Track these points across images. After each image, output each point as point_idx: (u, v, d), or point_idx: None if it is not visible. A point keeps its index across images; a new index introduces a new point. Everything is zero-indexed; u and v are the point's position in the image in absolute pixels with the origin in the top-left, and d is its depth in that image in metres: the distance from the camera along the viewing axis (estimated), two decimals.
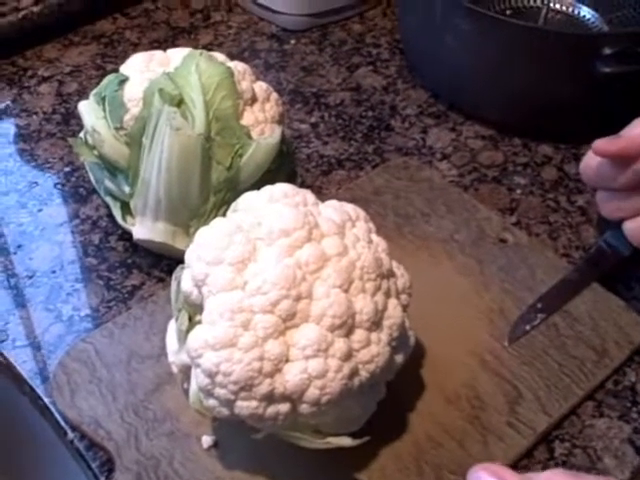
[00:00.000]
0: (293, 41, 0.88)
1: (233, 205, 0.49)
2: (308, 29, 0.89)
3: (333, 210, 0.48)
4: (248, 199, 0.48)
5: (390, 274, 0.48)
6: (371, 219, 0.51)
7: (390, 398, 0.50)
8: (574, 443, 0.52)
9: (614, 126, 0.74)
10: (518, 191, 0.70)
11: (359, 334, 0.44)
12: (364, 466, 0.49)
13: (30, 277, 0.62)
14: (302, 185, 0.62)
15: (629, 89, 0.68)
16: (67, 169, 0.72)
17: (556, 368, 0.55)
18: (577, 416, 0.53)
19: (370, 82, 0.82)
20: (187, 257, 0.46)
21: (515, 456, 0.50)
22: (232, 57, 0.64)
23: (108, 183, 0.61)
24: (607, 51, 0.64)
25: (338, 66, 0.84)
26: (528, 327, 0.57)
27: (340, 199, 0.51)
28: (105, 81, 0.61)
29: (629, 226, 0.58)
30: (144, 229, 0.59)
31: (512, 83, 0.72)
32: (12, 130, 0.76)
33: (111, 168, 0.60)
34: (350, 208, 0.50)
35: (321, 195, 0.56)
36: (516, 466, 0.50)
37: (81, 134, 0.64)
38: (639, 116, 0.60)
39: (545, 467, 0.51)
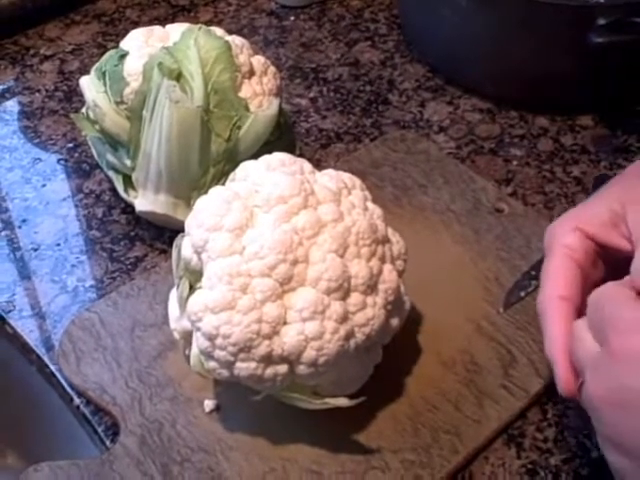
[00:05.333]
0: (292, 17, 0.89)
1: (231, 175, 0.51)
2: (307, 5, 0.90)
3: (329, 178, 0.49)
4: (246, 168, 0.49)
5: (385, 240, 0.49)
6: (369, 190, 0.52)
7: (387, 362, 0.51)
8: (567, 405, 0.53)
9: (609, 97, 0.75)
10: (514, 162, 0.71)
11: (355, 297, 0.45)
12: (362, 428, 0.51)
13: (35, 250, 0.63)
14: (301, 158, 0.63)
15: (623, 59, 0.69)
16: (70, 145, 0.73)
17: None
18: None
19: (368, 57, 0.83)
20: (187, 224, 0.47)
21: (509, 417, 0.52)
22: (232, 34, 0.65)
23: (110, 157, 0.62)
24: (601, 22, 0.65)
25: (337, 41, 0.85)
26: (522, 294, 0.58)
27: (338, 171, 0.52)
28: (106, 56, 0.62)
29: None
30: (146, 201, 0.60)
31: (509, 56, 0.73)
32: (16, 108, 0.78)
33: (112, 142, 0.61)
34: (346, 177, 0.51)
35: (320, 168, 0.57)
36: (510, 427, 0.52)
37: (83, 109, 0.65)
38: (633, 86, 0.60)
39: (539, 428, 0.52)
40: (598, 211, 0.48)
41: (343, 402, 0.47)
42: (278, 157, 0.49)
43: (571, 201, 0.67)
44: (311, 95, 0.78)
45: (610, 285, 0.42)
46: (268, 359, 0.44)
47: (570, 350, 0.43)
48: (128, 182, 0.62)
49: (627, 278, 0.42)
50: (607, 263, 0.49)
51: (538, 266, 0.59)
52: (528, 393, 0.53)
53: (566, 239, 0.47)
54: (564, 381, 0.44)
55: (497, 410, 0.52)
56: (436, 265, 0.60)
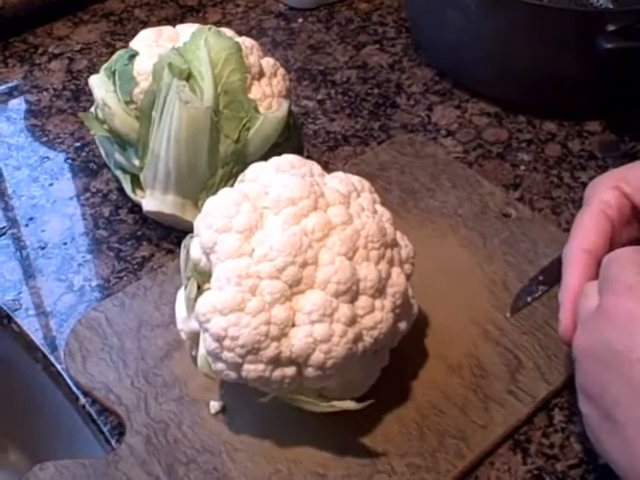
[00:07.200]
0: (300, 19, 0.89)
1: (240, 176, 0.51)
2: (315, 8, 0.90)
3: (339, 181, 0.49)
4: (255, 169, 0.49)
5: (394, 244, 0.49)
6: (377, 193, 0.52)
7: (394, 366, 0.51)
8: (574, 411, 0.53)
9: (617, 103, 0.75)
10: (522, 167, 0.71)
11: (363, 300, 0.45)
12: (368, 431, 0.51)
13: (42, 248, 0.63)
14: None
15: (632, 65, 0.69)
16: (77, 144, 0.73)
17: (556, 338, 0.55)
18: None
19: (376, 60, 0.83)
20: (196, 225, 0.47)
21: (515, 422, 0.51)
22: (240, 35, 0.65)
23: (118, 156, 0.62)
24: (610, 27, 0.65)
25: (345, 44, 0.85)
26: (529, 299, 0.58)
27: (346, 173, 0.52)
28: (115, 56, 0.62)
29: None
30: (154, 201, 0.60)
31: (517, 60, 0.73)
32: (23, 106, 0.78)
33: (121, 141, 0.61)
34: (355, 179, 0.51)
35: (327, 170, 0.57)
36: (516, 432, 0.52)
37: (92, 109, 0.65)
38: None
39: (545, 434, 0.52)
40: None
41: (350, 405, 0.47)
42: (288, 159, 0.49)
43: (578, 206, 0.66)
44: (319, 97, 0.78)
45: (625, 249, 0.45)
46: (276, 361, 0.44)
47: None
48: (136, 182, 0.62)
49: None
50: None
51: (545, 271, 0.60)
52: (534, 398, 0.52)
53: (604, 195, 0.49)
54: (564, 326, 0.47)
55: (503, 415, 0.52)
56: (443, 269, 0.60)
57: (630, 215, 0.50)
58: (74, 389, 0.54)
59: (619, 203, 0.49)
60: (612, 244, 0.49)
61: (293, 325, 0.44)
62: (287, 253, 0.44)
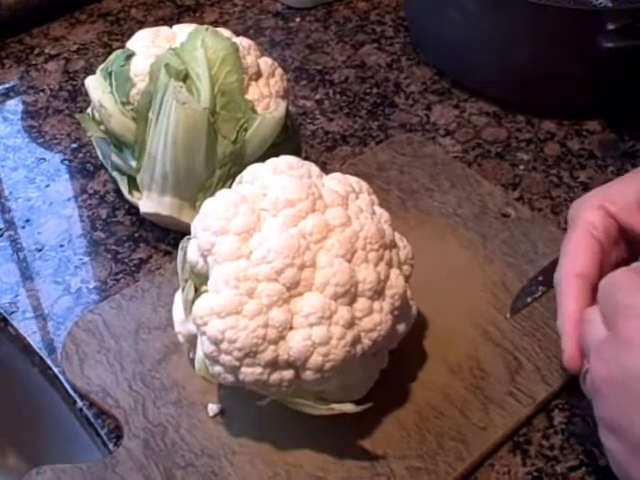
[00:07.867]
0: (298, 19, 0.88)
1: (238, 177, 0.50)
2: (313, 7, 0.90)
3: (337, 182, 0.49)
4: (253, 171, 0.49)
5: (392, 245, 0.48)
6: (375, 194, 0.51)
7: (393, 368, 0.51)
8: (573, 412, 0.53)
9: (617, 102, 0.75)
10: (521, 167, 0.70)
11: (362, 303, 0.45)
12: (367, 434, 0.50)
13: (39, 250, 0.63)
14: (307, 160, 0.63)
15: (632, 64, 0.69)
16: (74, 145, 0.72)
17: (556, 339, 0.55)
18: (576, 386, 0.54)
19: (375, 59, 0.83)
20: (193, 227, 0.47)
21: (515, 424, 0.51)
22: (237, 35, 0.64)
23: (115, 158, 0.62)
24: (610, 26, 0.65)
25: (343, 43, 0.85)
26: (529, 299, 0.58)
27: (344, 174, 0.51)
28: (112, 56, 0.62)
29: None
30: (151, 203, 0.60)
31: (516, 59, 0.72)
32: (20, 107, 0.77)
33: (118, 143, 0.61)
34: (353, 181, 0.50)
35: (325, 170, 0.56)
36: (516, 434, 0.51)
37: (88, 110, 0.64)
38: None
39: (545, 435, 0.52)
40: (626, 191, 0.49)
41: (349, 408, 0.47)
42: (286, 160, 0.49)
43: None
44: (317, 97, 0.78)
45: (621, 272, 0.43)
46: (274, 364, 0.44)
47: (580, 328, 0.44)
48: (133, 183, 0.62)
49: (636, 264, 0.44)
50: (630, 243, 0.49)
51: (545, 272, 0.60)
52: (534, 400, 0.52)
53: (589, 216, 0.48)
54: (569, 354, 0.45)
55: (503, 417, 0.51)
56: (442, 270, 0.60)
57: (617, 235, 0.49)
58: (71, 392, 0.54)
59: (605, 224, 0.48)
60: (602, 266, 0.47)
61: (291, 328, 0.44)
62: (285, 255, 0.43)
